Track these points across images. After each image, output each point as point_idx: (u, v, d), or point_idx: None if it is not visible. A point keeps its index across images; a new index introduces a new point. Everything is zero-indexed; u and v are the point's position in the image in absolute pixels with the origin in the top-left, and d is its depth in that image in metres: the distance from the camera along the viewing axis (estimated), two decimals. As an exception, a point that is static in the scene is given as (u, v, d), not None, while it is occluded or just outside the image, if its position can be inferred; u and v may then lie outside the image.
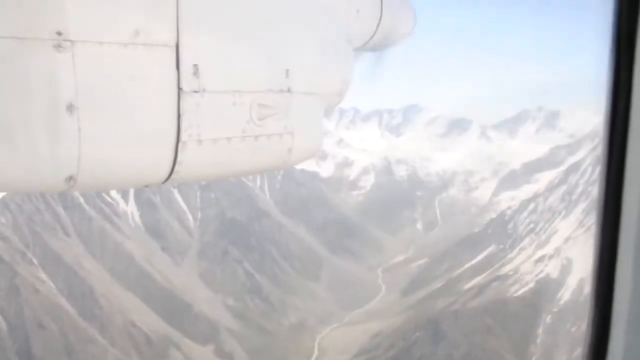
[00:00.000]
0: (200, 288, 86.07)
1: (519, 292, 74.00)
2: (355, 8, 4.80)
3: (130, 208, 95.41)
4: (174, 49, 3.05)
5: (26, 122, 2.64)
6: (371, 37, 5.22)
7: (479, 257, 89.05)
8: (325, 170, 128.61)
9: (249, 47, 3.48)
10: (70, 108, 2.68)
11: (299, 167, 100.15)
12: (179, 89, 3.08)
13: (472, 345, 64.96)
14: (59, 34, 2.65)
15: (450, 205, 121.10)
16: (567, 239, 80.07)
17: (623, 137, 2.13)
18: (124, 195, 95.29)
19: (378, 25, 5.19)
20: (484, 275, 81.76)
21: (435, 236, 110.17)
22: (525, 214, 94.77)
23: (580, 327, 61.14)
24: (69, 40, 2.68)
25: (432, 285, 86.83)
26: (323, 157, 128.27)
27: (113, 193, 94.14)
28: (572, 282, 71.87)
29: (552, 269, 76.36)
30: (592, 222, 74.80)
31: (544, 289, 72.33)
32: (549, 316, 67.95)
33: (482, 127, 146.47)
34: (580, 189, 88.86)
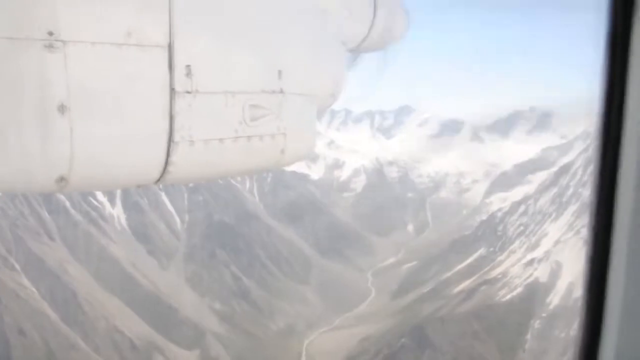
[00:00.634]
0: (186, 292, 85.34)
1: (508, 297, 73.41)
2: (348, 9, 4.76)
3: (116, 211, 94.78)
4: (167, 50, 3.04)
5: (17, 122, 2.65)
6: (364, 39, 5.15)
7: (469, 260, 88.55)
8: (316, 172, 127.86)
9: (242, 48, 3.47)
10: (61, 108, 2.68)
11: (289, 169, 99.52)
12: (172, 89, 3.06)
13: (459, 351, 64.37)
14: (51, 34, 2.64)
15: (442, 207, 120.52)
16: (556, 242, 79.48)
17: (616, 138, 2.13)
18: (111, 199, 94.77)
19: (371, 26, 5.12)
20: (473, 278, 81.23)
21: (426, 238, 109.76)
22: (515, 216, 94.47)
23: (569, 332, 60.52)
24: (61, 41, 2.67)
25: (421, 288, 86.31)
26: (314, 159, 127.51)
27: (100, 196, 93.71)
28: (561, 286, 71.12)
29: (541, 272, 75.77)
30: (582, 225, 74.31)
31: (533, 294, 71.76)
32: (538, 321, 67.31)
33: (475, 128, 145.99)
34: (570, 190, 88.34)
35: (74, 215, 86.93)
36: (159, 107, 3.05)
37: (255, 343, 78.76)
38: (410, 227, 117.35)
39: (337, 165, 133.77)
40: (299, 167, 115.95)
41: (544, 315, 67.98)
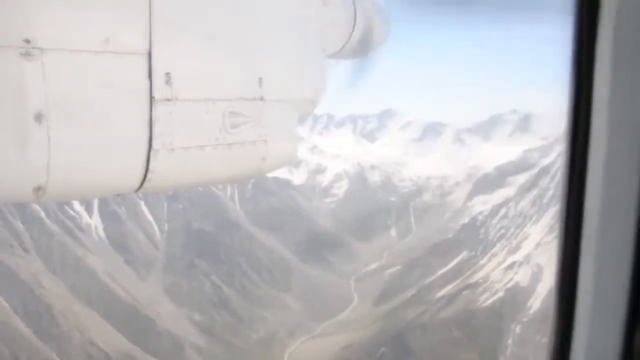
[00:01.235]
0: (165, 303, 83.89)
1: (489, 302, 72.88)
2: (329, 16, 4.75)
3: (94, 221, 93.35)
4: (146, 57, 3.02)
5: None
6: (344, 46, 5.17)
7: (451, 265, 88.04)
8: (298, 177, 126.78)
9: (222, 55, 3.47)
10: (38, 117, 2.65)
11: (271, 175, 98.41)
12: (151, 97, 3.05)
13: (439, 359, 63.60)
14: (27, 41, 2.62)
15: (425, 211, 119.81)
16: (537, 245, 79.27)
17: (584, 139, 2.20)
18: (88, 208, 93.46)
19: (351, 33, 5.13)
20: (455, 283, 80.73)
21: (409, 242, 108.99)
22: (496, 219, 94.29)
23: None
24: (38, 48, 2.65)
25: (404, 294, 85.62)
26: (296, 164, 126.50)
27: (77, 206, 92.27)
28: (542, 290, 70.58)
29: (522, 276, 75.43)
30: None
31: (514, 298, 71.34)
32: (519, 326, 66.79)
33: (457, 131, 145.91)
34: (551, 192, 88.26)
35: (49, 225, 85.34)
36: (138, 115, 3.01)
37: (235, 354, 77.70)
38: (393, 232, 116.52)
39: (320, 170, 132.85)
40: (281, 172, 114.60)
41: (525, 319, 67.54)
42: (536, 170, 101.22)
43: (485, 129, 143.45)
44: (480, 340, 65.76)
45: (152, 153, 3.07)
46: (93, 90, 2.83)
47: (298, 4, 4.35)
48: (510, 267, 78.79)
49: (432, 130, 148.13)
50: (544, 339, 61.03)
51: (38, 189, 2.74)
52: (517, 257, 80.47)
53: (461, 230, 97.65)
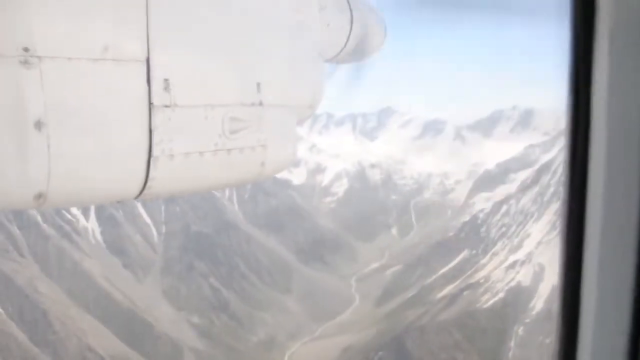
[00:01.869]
0: (163, 306, 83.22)
1: (490, 302, 71.98)
2: (326, 21, 4.76)
3: (91, 224, 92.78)
4: (145, 64, 3.03)
5: None
6: (341, 50, 5.17)
7: (452, 264, 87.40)
8: (297, 177, 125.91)
9: (220, 61, 3.49)
10: (38, 125, 2.66)
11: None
12: (150, 103, 3.05)
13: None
14: (26, 50, 2.63)
15: (426, 209, 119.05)
16: (539, 243, 78.39)
17: (585, 135, 2.19)
18: (85, 212, 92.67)
19: (348, 38, 5.14)
20: (456, 283, 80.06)
21: (410, 241, 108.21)
22: (498, 216, 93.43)
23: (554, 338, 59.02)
24: (37, 56, 2.66)
25: (405, 294, 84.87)
26: (296, 164, 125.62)
27: (73, 209, 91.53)
28: (544, 290, 69.62)
29: (523, 276, 74.55)
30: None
31: (516, 298, 70.37)
32: (521, 327, 65.80)
33: (457, 128, 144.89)
34: (552, 189, 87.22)
35: (46, 229, 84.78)
36: (138, 122, 3.02)
37: (235, 357, 77.14)
38: (394, 231, 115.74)
39: (319, 169, 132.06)
40: (280, 173, 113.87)
41: (527, 320, 66.54)
42: (538, 166, 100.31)
43: (486, 125, 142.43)
44: (481, 342, 64.92)
45: (152, 160, 3.06)
46: (92, 97, 2.82)
47: (295, 10, 4.31)
48: (512, 266, 77.92)
49: (432, 128, 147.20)
50: (547, 340, 60.06)
51: (39, 196, 2.74)
52: (519, 255, 79.60)
53: (462, 229, 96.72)
